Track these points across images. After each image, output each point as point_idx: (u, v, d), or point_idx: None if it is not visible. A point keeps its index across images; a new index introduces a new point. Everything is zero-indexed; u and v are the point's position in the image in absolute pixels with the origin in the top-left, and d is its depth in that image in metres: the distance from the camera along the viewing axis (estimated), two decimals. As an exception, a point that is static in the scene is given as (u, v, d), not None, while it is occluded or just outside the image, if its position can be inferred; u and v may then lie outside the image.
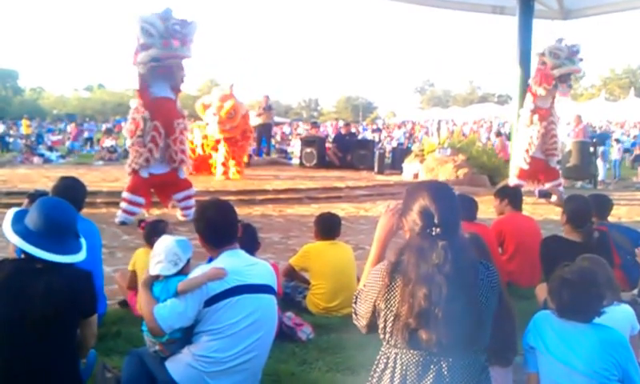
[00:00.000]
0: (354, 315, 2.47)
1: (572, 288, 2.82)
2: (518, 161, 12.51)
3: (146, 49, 8.47)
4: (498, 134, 22.44)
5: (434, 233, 2.22)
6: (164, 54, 8.49)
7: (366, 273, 2.49)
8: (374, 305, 2.30)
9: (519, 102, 14.36)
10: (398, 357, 2.26)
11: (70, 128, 32.57)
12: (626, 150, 20.77)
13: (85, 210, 5.00)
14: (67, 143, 27.32)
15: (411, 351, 2.22)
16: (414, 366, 2.22)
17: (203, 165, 14.78)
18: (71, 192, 4.25)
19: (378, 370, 2.35)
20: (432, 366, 2.20)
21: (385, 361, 2.32)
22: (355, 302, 2.45)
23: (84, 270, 2.98)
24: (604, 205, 5.63)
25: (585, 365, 2.73)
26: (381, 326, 2.29)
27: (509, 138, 17.59)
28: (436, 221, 2.23)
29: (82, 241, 2.97)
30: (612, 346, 2.76)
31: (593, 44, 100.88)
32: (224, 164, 14.11)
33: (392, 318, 2.23)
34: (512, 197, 6.38)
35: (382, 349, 2.35)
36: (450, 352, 2.19)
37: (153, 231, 4.64)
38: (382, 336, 2.32)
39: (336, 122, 24.42)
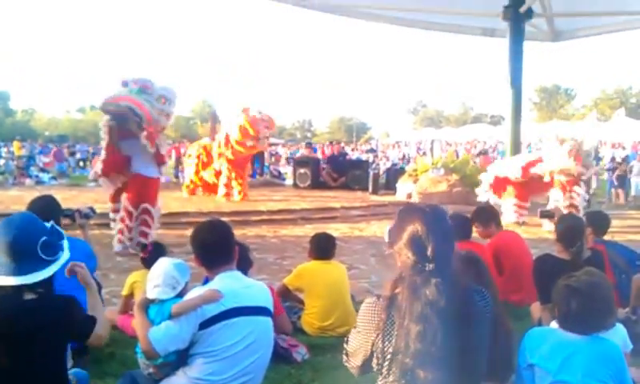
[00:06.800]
0: (344, 357, 2.43)
1: (580, 297, 2.82)
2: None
3: None
4: (483, 153, 22.68)
5: (427, 268, 2.18)
6: None
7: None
8: (372, 343, 2.24)
9: (512, 123, 14.51)
10: None
11: (51, 152, 32.49)
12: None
13: (78, 232, 4.99)
14: (55, 165, 27.30)
15: None
16: None
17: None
18: (44, 208, 4.17)
19: None
20: None
21: None
22: (347, 343, 2.42)
23: (64, 298, 2.85)
24: (601, 221, 5.66)
25: (582, 378, 2.72)
26: (377, 361, 2.24)
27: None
28: (429, 254, 2.18)
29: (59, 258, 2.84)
30: (610, 359, 2.76)
31: (583, 64, 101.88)
32: (227, 185, 14.18)
33: (389, 354, 2.19)
34: (496, 217, 6.42)
35: (378, 382, 2.30)
36: None
37: (158, 254, 4.59)
38: (376, 369, 2.27)
39: (331, 145, 24.62)
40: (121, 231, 8.86)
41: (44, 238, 2.73)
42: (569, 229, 4.80)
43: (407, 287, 2.18)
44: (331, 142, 29.33)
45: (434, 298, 2.13)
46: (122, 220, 8.85)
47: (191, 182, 15.96)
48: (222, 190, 14.39)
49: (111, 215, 9.16)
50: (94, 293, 3.11)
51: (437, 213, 2.32)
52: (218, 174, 14.95)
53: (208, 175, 15.32)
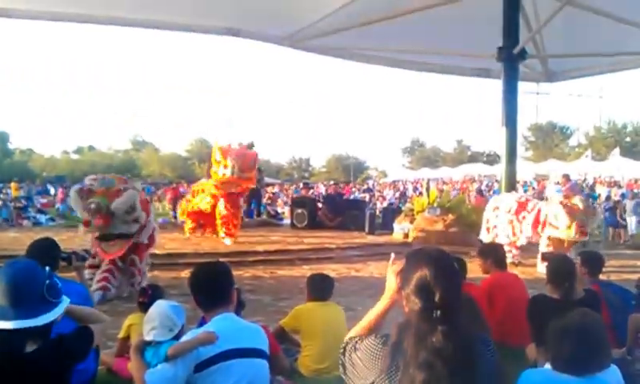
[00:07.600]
0: (340, 367, 2.42)
1: (572, 338, 2.82)
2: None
3: None
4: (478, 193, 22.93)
5: (434, 315, 2.15)
6: None
7: (363, 321, 2.48)
8: (373, 381, 2.23)
9: (506, 163, 14.58)
10: None
11: (58, 192, 32.72)
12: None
13: (73, 274, 4.99)
14: (58, 205, 27.37)
15: None
16: None
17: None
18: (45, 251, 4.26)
19: None
20: None
21: None
22: (343, 354, 2.41)
23: (57, 344, 2.81)
24: (594, 262, 5.69)
25: None
26: None
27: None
28: (437, 300, 2.15)
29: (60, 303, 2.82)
30: None
31: (578, 103, 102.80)
32: (225, 229, 14.06)
33: None
34: (495, 256, 6.43)
35: None
36: None
37: (157, 298, 4.56)
38: None
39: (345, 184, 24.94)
40: (107, 278, 8.57)
41: (48, 281, 2.74)
42: (557, 269, 4.84)
43: (413, 334, 2.16)
44: (346, 183, 29.39)
45: (440, 346, 2.11)
46: (113, 262, 8.68)
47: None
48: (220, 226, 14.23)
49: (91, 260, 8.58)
50: (74, 308, 3.07)
51: (445, 259, 2.31)
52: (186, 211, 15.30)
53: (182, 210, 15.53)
